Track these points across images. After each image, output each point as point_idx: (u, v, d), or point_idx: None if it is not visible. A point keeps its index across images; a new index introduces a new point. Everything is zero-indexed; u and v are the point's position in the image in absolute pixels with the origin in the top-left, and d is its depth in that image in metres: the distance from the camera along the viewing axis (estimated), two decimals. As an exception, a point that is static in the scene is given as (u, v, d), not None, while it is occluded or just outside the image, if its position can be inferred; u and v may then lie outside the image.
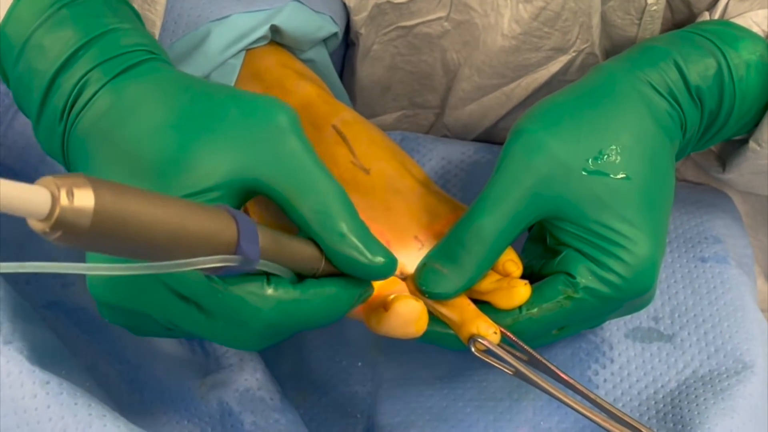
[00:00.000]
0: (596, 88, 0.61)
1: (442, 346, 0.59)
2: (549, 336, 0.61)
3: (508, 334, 0.58)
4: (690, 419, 0.60)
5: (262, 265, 0.45)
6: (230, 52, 0.64)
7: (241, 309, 0.48)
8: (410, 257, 0.59)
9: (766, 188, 0.71)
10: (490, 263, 0.58)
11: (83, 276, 0.64)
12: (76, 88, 0.52)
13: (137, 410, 0.60)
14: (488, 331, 0.56)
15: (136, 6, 0.60)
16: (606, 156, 0.58)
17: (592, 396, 0.57)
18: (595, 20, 0.69)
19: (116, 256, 0.38)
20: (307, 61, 0.69)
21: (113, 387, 0.61)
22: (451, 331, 0.58)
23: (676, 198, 0.63)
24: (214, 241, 0.41)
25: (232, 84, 0.65)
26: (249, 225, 0.43)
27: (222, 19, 0.64)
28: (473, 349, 0.57)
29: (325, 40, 0.70)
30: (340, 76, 0.77)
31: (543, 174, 0.57)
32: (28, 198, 0.32)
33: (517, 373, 0.57)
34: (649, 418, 0.61)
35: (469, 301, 0.58)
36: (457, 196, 0.72)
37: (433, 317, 0.57)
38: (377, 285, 0.56)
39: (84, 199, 0.33)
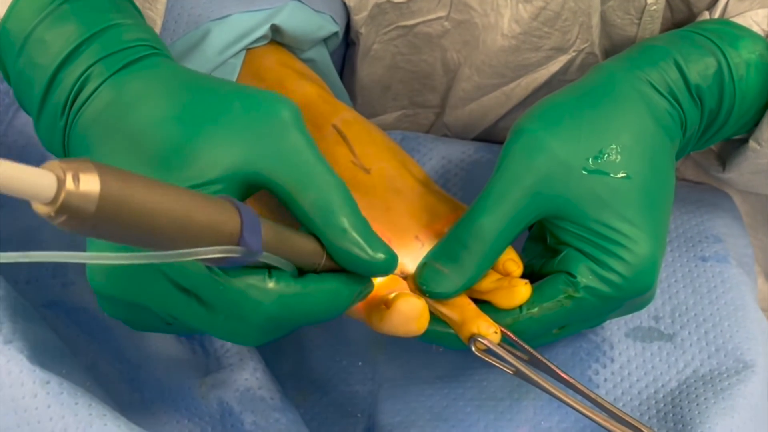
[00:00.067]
0: (596, 87, 0.61)
1: (443, 345, 0.59)
2: (549, 335, 0.61)
3: (509, 333, 0.58)
4: (690, 419, 0.60)
5: (265, 258, 0.44)
6: (230, 51, 0.64)
7: (242, 302, 0.47)
8: (411, 257, 0.59)
9: (766, 187, 0.71)
10: (490, 263, 0.58)
11: (84, 276, 0.63)
12: (77, 82, 0.52)
13: (137, 410, 0.60)
14: (489, 331, 0.56)
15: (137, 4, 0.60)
16: (606, 155, 0.58)
17: (593, 395, 0.57)
18: (595, 20, 0.69)
19: (119, 243, 0.37)
20: (308, 61, 0.69)
21: (114, 386, 0.61)
22: (452, 331, 0.58)
23: (676, 197, 0.63)
24: (217, 231, 0.41)
25: None
26: (252, 217, 0.43)
27: (222, 19, 0.64)
28: (474, 349, 0.57)
29: (325, 40, 0.70)
30: (341, 75, 0.77)
31: (543, 173, 0.57)
32: (34, 181, 0.32)
33: (518, 373, 0.57)
34: (649, 418, 0.62)
35: (469, 301, 0.58)
36: (457, 196, 0.72)
37: (434, 317, 0.57)
38: (379, 284, 0.56)
39: (90, 183, 0.33)
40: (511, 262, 0.59)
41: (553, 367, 0.58)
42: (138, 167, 0.49)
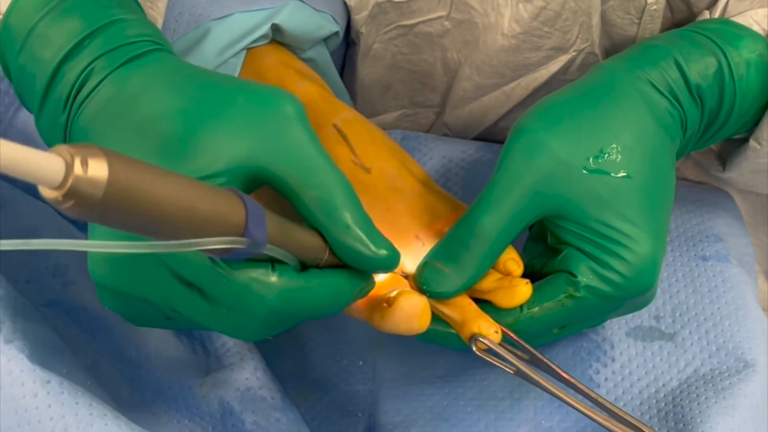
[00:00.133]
0: (596, 87, 0.61)
1: (444, 345, 0.59)
2: (550, 335, 0.61)
3: (509, 333, 0.58)
4: (691, 418, 0.60)
5: (269, 250, 0.44)
6: (231, 51, 0.64)
7: (244, 295, 0.47)
8: (411, 256, 0.59)
9: (766, 187, 0.71)
10: (491, 262, 0.58)
11: (84, 275, 0.64)
12: (80, 77, 0.52)
13: (138, 409, 0.60)
14: (489, 330, 0.56)
15: (138, 3, 0.60)
16: (607, 155, 0.58)
17: (594, 395, 0.57)
18: (595, 20, 0.69)
19: (125, 230, 0.37)
20: (308, 60, 0.69)
21: (114, 386, 0.60)
22: (453, 330, 0.58)
23: (677, 197, 0.63)
24: (222, 222, 0.41)
25: None
26: (257, 209, 0.43)
27: (223, 18, 0.64)
28: (474, 348, 0.57)
29: (325, 39, 0.70)
30: (341, 75, 0.77)
31: (544, 173, 0.57)
32: (42, 165, 0.32)
33: (519, 372, 0.57)
34: (650, 417, 0.62)
35: (470, 300, 0.58)
36: (457, 195, 0.72)
37: (435, 316, 0.57)
38: (380, 283, 0.56)
39: (98, 169, 0.33)
40: (512, 261, 0.59)
41: (553, 366, 0.58)
42: (141, 159, 0.49)
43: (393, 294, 0.55)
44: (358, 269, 0.51)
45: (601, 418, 0.56)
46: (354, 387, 0.66)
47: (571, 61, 0.71)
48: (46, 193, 0.33)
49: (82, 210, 0.33)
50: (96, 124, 0.51)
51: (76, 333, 0.62)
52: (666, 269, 0.68)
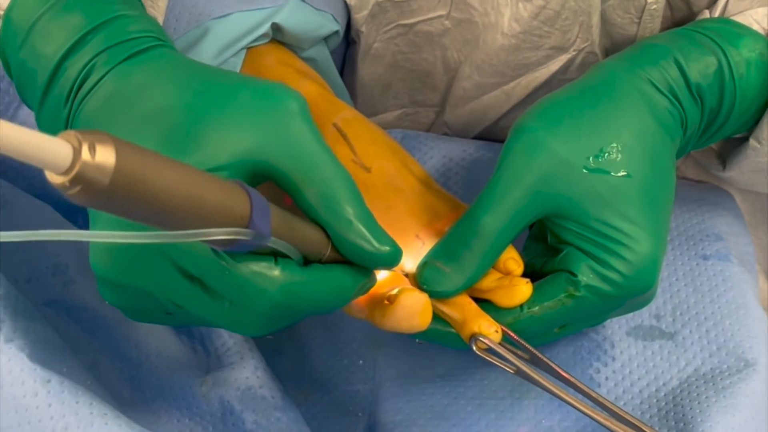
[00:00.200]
0: (597, 86, 0.61)
1: (444, 344, 0.59)
2: (550, 334, 0.61)
3: (510, 332, 0.58)
4: (692, 417, 0.60)
5: (273, 243, 0.44)
6: (231, 50, 0.64)
7: (247, 288, 0.47)
8: (411, 256, 0.59)
9: (766, 186, 0.71)
10: (491, 261, 0.58)
11: (85, 274, 0.64)
12: (82, 72, 0.52)
13: (138, 409, 0.60)
14: (490, 330, 0.56)
15: (138, 2, 0.60)
16: (607, 154, 0.58)
17: (594, 394, 0.57)
18: (595, 19, 0.69)
19: (130, 219, 0.37)
20: (308, 60, 0.69)
21: (114, 385, 0.60)
22: (453, 330, 0.58)
23: (677, 196, 0.63)
24: (227, 213, 0.41)
25: None
26: (262, 201, 0.43)
27: (223, 17, 0.64)
28: (474, 348, 0.57)
29: (326, 39, 0.70)
30: (341, 74, 0.77)
31: (544, 172, 0.57)
32: (50, 149, 0.32)
33: (519, 372, 0.57)
34: (650, 417, 0.61)
35: (470, 300, 0.58)
36: (458, 194, 0.72)
37: (435, 316, 0.57)
38: (381, 282, 0.56)
39: (105, 155, 0.33)
40: (512, 260, 0.59)
41: (554, 366, 0.58)
42: None
43: (394, 291, 0.55)
44: (359, 265, 0.51)
45: (601, 417, 0.56)
46: (354, 386, 0.66)
47: (571, 61, 0.71)
48: (53, 178, 0.33)
49: (88, 196, 0.33)
50: (97, 118, 0.51)
51: (76, 332, 0.62)
52: (666, 268, 0.68)
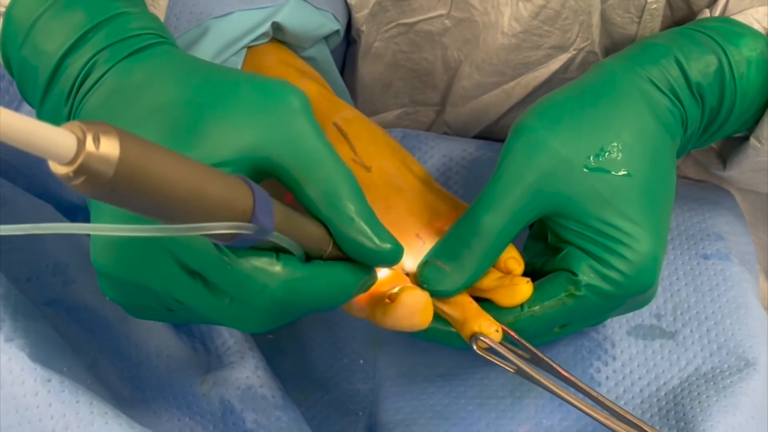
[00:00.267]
0: (597, 85, 0.61)
1: (444, 343, 0.59)
2: (551, 334, 0.61)
3: (510, 332, 0.58)
4: (692, 416, 0.60)
5: (275, 238, 0.44)
6: (231, 49, 0.64)
7: (248, 283, 0.47)
8: (412, 255, 0.59)
9: (767, 186, 0.71)
10: (491, 260, 0.58)
11: (85, 274, 0.64)
12: (83, 69, 0.52)
13: (139, 408, 0.60)
14: (490, 329, 0.56)
15: (138, 1, 0.60)
16: (607, 153, 0.58)
17: (594, 394, 0.57)
18: (595, 19, 0.69)
19: (133, 211, 0.37)
20: (309, 59, 0.69)
21: (114, 384, 0.60)
22: (453, 329, 0.58)
23: (678, 195, 0.63)
24: (230, 207, 0.40)
25: None
26: (264, 196, 0.43)
27: (224, 16, 0.64)
28: (475, 347, 0.57)
29: (326, 38, 0.70)
30: (342, 73, 0.77)
31: (544, 171, 0.57)
32: (54, 139, 0.32)
33: (519, 371, 0.57)
34: (651, 416, 0.61)
35: (470, 299, 0.58)
36: (458, 194, 0.72)
37: (436, 315, 0.57)
38: (382, 280, 0.56)
39: (110, 146, 0.33)
40: (513, 260, 0.59)
41: (554, 365, 0.58)
42: None
43: (395, 290, 0.55)
44: (361, 263, 0.51)
45: (602, 416, 0.56)
46: (355, 385, 0.66)
47: (571, 60, 0.71)
48: (57, 169, 0.33)
49: (92, 187, 0.33)
50: (99, 115, 0.51)
51: (76, 332, 0.62)
52: (667, 268, 0.68)
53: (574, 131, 0.58)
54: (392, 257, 0.50)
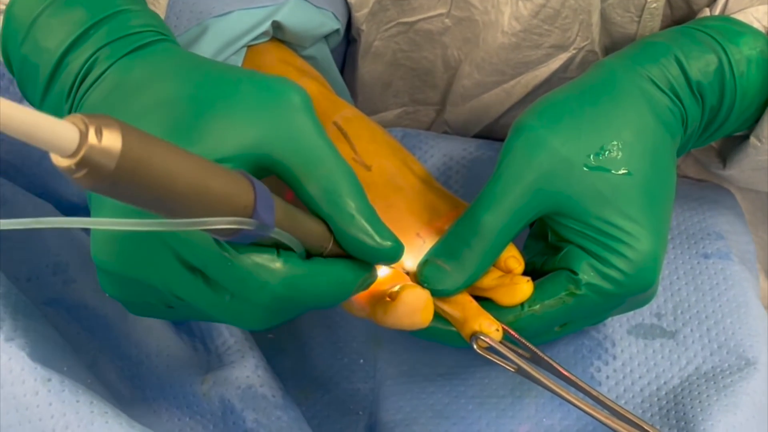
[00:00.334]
0: (597, 84, 0.61)
1: (444, 343, 0.59)
2: (551, 333, 0.61)
3: (510, 331, 0.58)
4: (693, 416, 0.60)
5: (276, 234, 0.44)
6: (231, 48, 0.64)
7: (248, 280, 0.47)
8: (412, 254, 0.59)
9: (767, 185, 0.71)
10: (491, 260, 0.58)
11: (85, 273, 0.63)
12: (84, 67, 0.52)
13: (139, 407, 0.60)
14: (490, 328, 0.56)
15: (138, 0, 0.60)
16: (607, 152, 0.58)
17: (595, 393, 0.57)
18: (595, 18, 0.69)
19: (134, 204, 0.37)
20: (309, 58, 0.69)
21: (115, 384, 0.60)
22: (453, 328, 0.58)
23: (678, 194, 0.63)
24: (231, 203, 0.40)
25: None
26: (265, 191, 0.43)
27: (224, 15, 0.64)
28: (475, 346, 0.57)
29: (326, 37, 0.70)
30: (342, 72, 0.77)
31: (544, 170, 0.57)
32: (56, 132, 0.31)
33: (520, 370, 0.57)
34: (651, 415, 0.61)
35: (471, 298, 0.58)
36: (458, 193, 0.72)
37: (436, 314, 0.57)
38: (382, 279, 0.56)
39: (112, 139, 0.33)
40: (513, 259, 0.59)
41: (555, 364, 0.58)
42: None
43: (396, 288, 0.55)
44: (361, 260, 0.51)
45: (602, 416, 0.56)
46: (355, 385, 0.66)
47: (571, 59, 0.71)
48: (59, 161, 0.33)
49: (93, 180, 0.33)
50: (99, 111, 0.51)
51: (76, 331, 0.62)
52: (667, 267, 0.68)
53: (574, 130, 0.58)
54: (392, 255, 0.50)
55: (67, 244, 0.65)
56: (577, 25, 0.69)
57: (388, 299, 0.55)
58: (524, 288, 0.58)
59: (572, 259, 0.58)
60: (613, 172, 0.57)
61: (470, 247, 0.57)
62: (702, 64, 0.62)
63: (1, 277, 0.58)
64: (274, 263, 0.47)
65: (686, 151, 0.65)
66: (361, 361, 0.66)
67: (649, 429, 0.56)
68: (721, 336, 0.64)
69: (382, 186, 0.61)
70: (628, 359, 0.64)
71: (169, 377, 0.61)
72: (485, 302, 0.58)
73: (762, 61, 0.63)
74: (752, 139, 0.66)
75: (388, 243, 0.50)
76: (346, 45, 0.77)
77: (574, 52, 0.71)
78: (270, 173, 0.50)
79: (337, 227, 0.49)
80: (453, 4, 0.70)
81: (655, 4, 0.67)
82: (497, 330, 0.56)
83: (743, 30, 0.64)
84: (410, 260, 0.59)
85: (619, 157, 0.58)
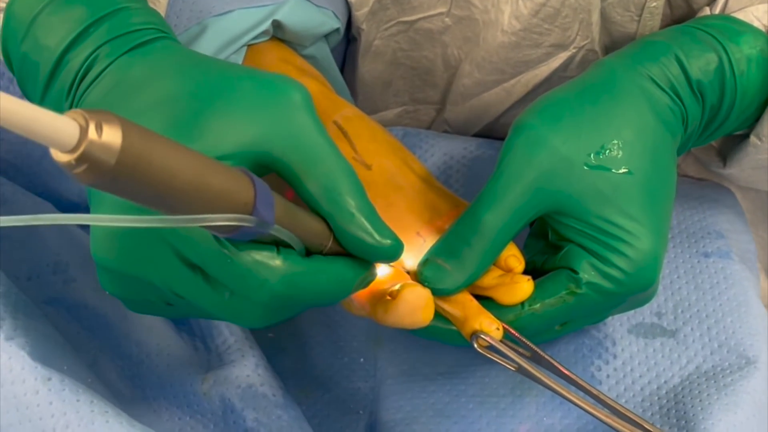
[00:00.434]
0: (597, 83, 0.61)
1: (445, 342, 0.59)
2: (552, 332, 0.60)
3: (511, 330, 0.58)
4: (693, 415, 0.60)
5: (276, 231, 0.44)
6: (232, 48, 0.64)
7: (248, 277, 0.47)
8: (412, 253, 0.59)
9: (767, 183, 0.71)
10: (492, 259, 0.58)
11: (85, 272, 0.63)
12: (84, 64, 0.52)
13: (139, 407, 0.59)
14: (491, 327, 0.56)
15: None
16: (608, 151, 0.58)
17: (595, 392, 0.57)
18: (595, 17, 0.69)
19: (134, 201, 0.37)
20: (309, 57, 0.69)
21: (115, 383, 0.60)
22: (454, 327, 0.58)
23: (678, 193, 0.63)
24: (231, 199, 0.40)
25: None
26: (265, 188, 0.43)
27: (224, 15, 0.64)
28: (476, 345, 0.57)
29: (326, 36, 0.70)
30: (342, 71, 0.77)
31: (545, 169, 0.57)
32: (57, 127, 0.31)
33: (520, 369, 0.57)
34: (652, 414, 0.61)
35: (471, 297, 0.58)
36: (459, 192, 0.72)
37: (436, 313, 0.57)
38: (383, 278, 0.56)
39: (112, 135, 0.33)
40: (513, 258, 0.59)
41: (555, 363, 0.58)
42: None
43: (396, 287, 0.55)
44: (361, 258, 0.51)
45: (602, 414, 0.56)
46: (355, 384, 0.66)
47: (571, 58, 0.71)
48: (59, 156, 0.33)
49: (93, 176, 0.33)
50: (100, 108, 0.50)
51: (76, 330, 0.62)
52: (668, 266, 0.68)
53: (575, 129, 0.58)
54: (392, 253, 0.50)
55: (68, 243, 0.65)
56: (577, 24, 0.69)
57: (388, 298, 0.55)
58: (525, 287, 0.58)
59: (573, 257, 0.58)
60: (613, 171, 0.57)
61: (471, 246, 0.57)
62: (702, 63, 0.62)
63: (1, 276, 0.58)
64: (274, 261, 0.47)
65: (686, 150, 0.65)
66: (362, 360, 0.66)
67: (649, 428, 0.56)
68: (722, 335, 0.64)
69: (383, 185, 0.61)
70: (629, 358, 0.64)
71: (169, 376, 0.61)
72: (486, 301, 0.58)
73: (762, 60, 0.63)
74: (752, 138, 0.66)
75: (388, 241, 0.50)
76: (347, 44, 0.77)
77: (574, 51, 0.71)
78: (270, 171, 0.50)
79: (336, 225, 0.49)
80: (453, 3, 0.70)
81: (654, 3, 0.67)
82: (498, 329, 0.56)
83: (743, 29, 0.64)
84: (410, 259, 0.59)
85: (619, 156, 0.58)
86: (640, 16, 0.68)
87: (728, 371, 0.62)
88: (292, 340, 0.67)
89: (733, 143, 0.70)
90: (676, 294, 0.67)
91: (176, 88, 0.50)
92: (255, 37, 0.65)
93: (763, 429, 0.60)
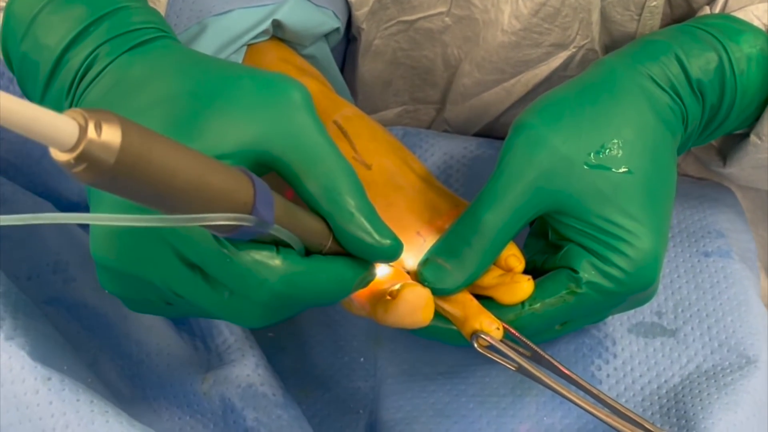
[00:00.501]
0: (597, 82, 0.61)
1: (445, 341, 0.59)
2: (552, 331, 0.60)
3: (511, 329, 0.58)
4: (693, 414, 0.60)
5: (275, 230, 0.44)
6: (231, 47, 0.64)
7: (247, 277, 0.47)
8: (412, 253, 0.59)
9: (767, 183, 0.71)
10: (492, 258, 0.58)
11: (85, 272, 0.63)
12: (84, 63, 0.52)
13: (139, 406, 0.59)
14: (491, 327, 0.56)
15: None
16: (608, 150, 0.58)
17: (595, 391, 0.57)
18: (595, 16, 0.69)
19: (133, 200, 0.37)
20: (309, 57, 0.69)
21: (115, 383, 0.60)
22: (454, 327, 0.58)
23: (679, 193, 0.63)
24: (231, 199, 0.40)
25: None
26: (265, 188, 0.43)
27: (224, 14, 0.64)
28: (476, 345, 0.57)
29: (326, 36, 0.70)
30: (342, 71, 0.77)
31: (545, 168, 0.57)
32: (56, 126, 0.31)
33: (520, 369, 0.57)
34: (652, 414, 0.61)
35: (471, 297, 0.58)
36: (459, 191, 0.72)
37: (436, 313, 0.57)
38: (383, 278, 0.56)
39: (112, 134, 0.33)
40: (513, 257, 0.59)
41: (555, 363, 0.58)
42: None
43: (397, 287, 0.55)
44: (360, 258, 0.51)
45: (603, 414, 0.56)
46: (355, 384, 0.66)
47: (571, 58, 0.71)
48: (58, 156, 0.33)
49: (93, 175, 0.33)
50: (99, 107, 0.50)
51: (76, 330, 0.62)
52: (668, 265, 0.68)
53: (575, 128, 0.58)
54: (392, 253, 0.50)
55: (67, 242, 0.65)
56: (577, 24, 0.69)
57: (388, 298, 0.55)
58: (525, 286, 0.58)
59: (573, 257, 0.58)
60: (613, 170, 0.57)
61: (471, 245, 0.57)
62: (702, 62, 0.62)
63: (1, 275, 0.58)
64: (273, 260, 0.47)
65: (686, 150, 0.65)
66: (362, 359, 0.66)
67: (649, 427, 0.56)
68: (722, 334, 0.64)
69: (383, 185, 0.61)
70: (629, 358, 0.64)
71: (169, 376, 0.61)
72: (486, 301, 0.58)
73: (762, 59, 0.63)
74: (752, 137, 0.66)
75: (388, 241, 0.50)
76: (346, 44, 0.77)
77: (574, 50, 0.71)
78: (270, 170, 0.50)
79: (336, 225, 0.49)
80: (453, 2, 0.70)
81: (654, 2, 0.67)
82: (498, 328, 0.56)
83: (743, 28, 0.64)
84: (411, 259, 0.59)
85: (619, 155, 0.58)
86: (640, 15, 0.68)
87: (728, 370, 0.62)
88: (292, 339, 0.67)
89: (733, 142, 0.70)
90: (677, 293, 0.67)
91: (176, 88, 0.50)
92: (255, 37, 0.65)
93: (764, 428, 0.60)
